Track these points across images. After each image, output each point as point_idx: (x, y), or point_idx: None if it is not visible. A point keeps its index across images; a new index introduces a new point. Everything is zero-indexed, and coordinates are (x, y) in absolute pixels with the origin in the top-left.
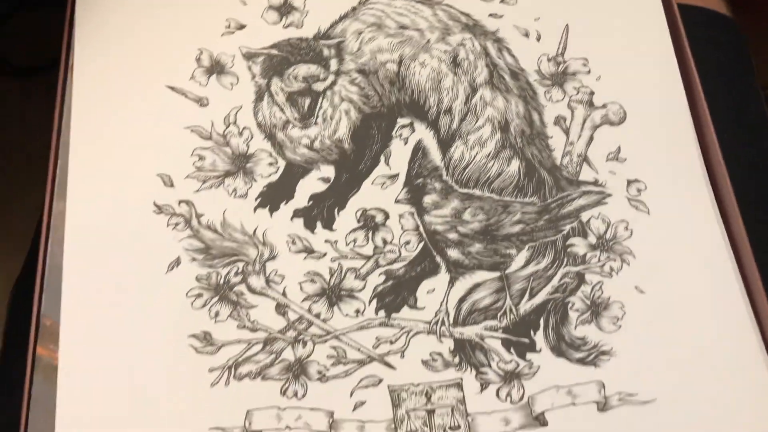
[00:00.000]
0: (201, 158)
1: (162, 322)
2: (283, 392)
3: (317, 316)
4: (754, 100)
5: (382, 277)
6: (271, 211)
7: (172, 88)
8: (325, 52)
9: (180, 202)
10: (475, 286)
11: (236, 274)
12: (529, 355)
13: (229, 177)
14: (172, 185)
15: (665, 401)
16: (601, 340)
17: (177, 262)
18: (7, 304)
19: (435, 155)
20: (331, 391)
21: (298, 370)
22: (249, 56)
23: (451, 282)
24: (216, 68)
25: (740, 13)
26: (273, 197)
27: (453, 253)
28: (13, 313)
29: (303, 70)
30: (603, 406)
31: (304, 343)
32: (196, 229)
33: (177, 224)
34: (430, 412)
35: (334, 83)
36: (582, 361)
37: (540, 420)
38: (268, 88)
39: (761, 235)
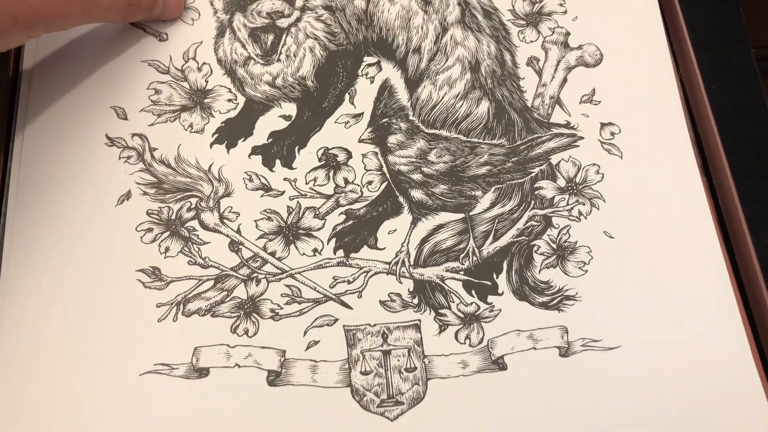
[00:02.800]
0: (157, 92)
1: (109, 255)
2: (233, 330)
3: (272, 254)
4: (740, 42)
5: (342, 217)
6: (228, 147)
7: (132, 24)
8: None
9: (133, 135)
10: (438, 228)
11: (189, 209)
12: (491, 298)
13: (185, 112)
14: (125, 118)
15: (630, 349)
16: (567, 284)
17: (128, 195)
18: None
19: (402, 95)
20: (283, 330)
21: (249, 307)
22: None
23: (414, 223)
24: None
25: None
26: (231, 133)
27: (416, 194)
28: None
29: (267, 5)
30: (565, 352)
31: (258, 281)
32: (149, 162)
33: (129, 157)
34: (386, 353)
35: (299, 20)
36: (545, 306)
37: (499, 364)
38: (230, 24)
39: (750, 187)
